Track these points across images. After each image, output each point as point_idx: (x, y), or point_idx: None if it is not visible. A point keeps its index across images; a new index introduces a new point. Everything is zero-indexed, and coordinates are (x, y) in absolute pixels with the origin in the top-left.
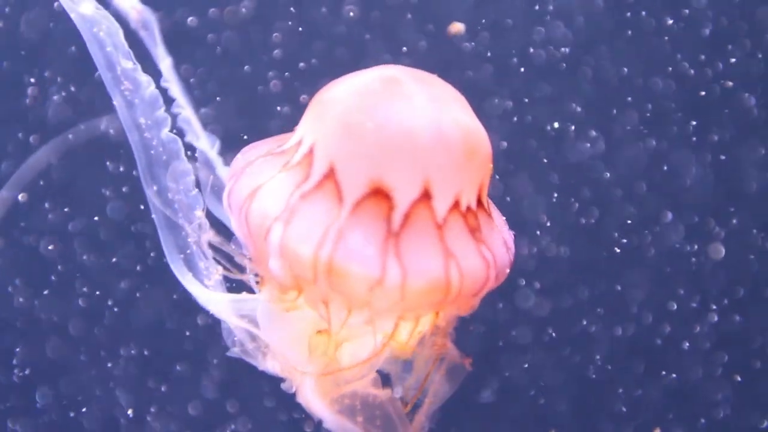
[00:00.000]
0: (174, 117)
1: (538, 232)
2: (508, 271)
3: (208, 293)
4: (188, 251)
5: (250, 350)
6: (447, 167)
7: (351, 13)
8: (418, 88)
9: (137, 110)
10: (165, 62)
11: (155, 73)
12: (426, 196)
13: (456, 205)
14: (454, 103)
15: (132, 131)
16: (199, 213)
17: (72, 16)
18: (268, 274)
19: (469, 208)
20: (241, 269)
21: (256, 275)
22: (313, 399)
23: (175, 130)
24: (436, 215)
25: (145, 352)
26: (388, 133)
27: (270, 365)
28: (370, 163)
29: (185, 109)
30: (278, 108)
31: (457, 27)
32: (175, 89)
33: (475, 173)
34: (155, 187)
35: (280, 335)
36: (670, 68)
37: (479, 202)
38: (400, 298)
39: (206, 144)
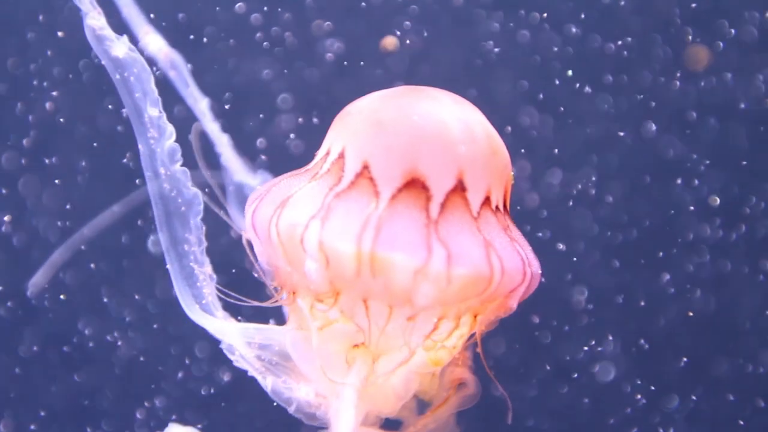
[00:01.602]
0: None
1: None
2: (539, 278)
3: (227, 328)
4: (203, 301)
5: (280, 385)
6: (477, 161)
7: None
8: (440, 93)
9: (158, 160)
10: (202, 103)
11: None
12: (461, 187)
13: (487, 201)
14: (474, 109)
15: (152, 180)
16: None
17: (103, 61)
18: (302, 284)
19: (497, 208)
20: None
21: (284, 297)
22: (350, 419)
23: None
24: (471, 207)
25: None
26: (420, 123)
27: (303, 393)
28: (405, 154)
29: (226, 150)
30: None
31: (391, 41)
32: (214, 129)
33: (499, 174)
34: (171, 238)
35: (314, 358)
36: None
37: (505, 208)
38: (444, 286)
39: (256, 182)
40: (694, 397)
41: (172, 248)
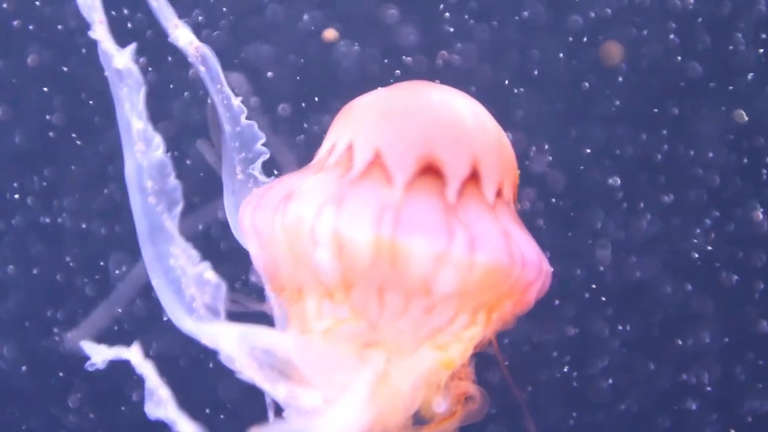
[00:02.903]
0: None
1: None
2: (551, 277)
3: (225, 336)
4: (194, 315)
5: (287, 394)
6: (491, 151)
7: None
8: (446, 87)
9: (145, 173)
10: (236, 101)
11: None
12: (475, 176)
13: (500, 193)
14: (478, 103)
15: (135, 195)
16: (209, 275)
17: (107, 72)
18: (309, 281)
19: (509, 203)
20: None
21: (286, 300)
22: (362, 422)
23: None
24: (487, 197)
25: None
26: (434, 109)
27: (310, 401)
28: (420, 139)
29: (266, 147)
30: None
31: (332, 33)
32: (250, 126)
33: (508, 168)
34: (154, 253)
35: (322, 362)
36: None
37: (513, 204)
38: (466, 272)
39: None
40: None
41: (157, 263)
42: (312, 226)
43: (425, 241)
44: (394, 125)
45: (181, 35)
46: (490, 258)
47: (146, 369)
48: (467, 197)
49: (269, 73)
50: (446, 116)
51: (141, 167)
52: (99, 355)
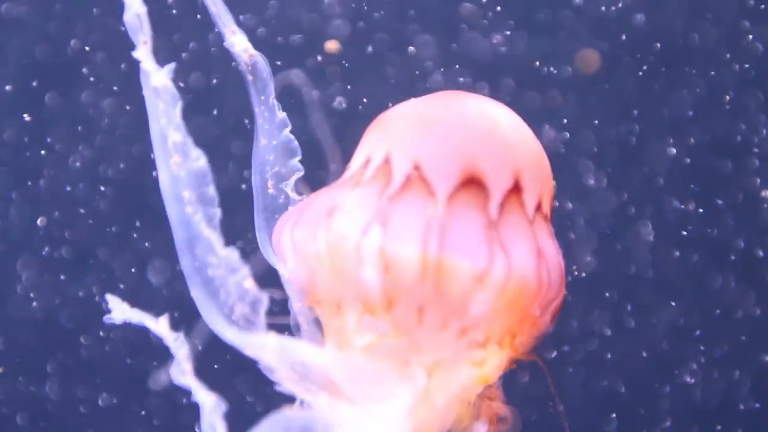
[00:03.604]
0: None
1: None
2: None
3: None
4: (238, 321)
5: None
6: (532, 161)
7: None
8: (479, 96)
9: (181, 183)
10: (280, 114)
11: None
12: (517, 188)
13: (539, 207)
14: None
15: (172, 206)
16: (249, 284)
17: (144, 91)
18: (350, 298)
19: (546, 217)
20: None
21: (322, 314)
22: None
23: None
24: (527, 210)
25: None
26: (474, 120)
27: (350, 414)
28: (461, 150)
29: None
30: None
31: (333, 44)
32: (292, 140)
33: (546, 179)
34: (195, 264)
35: (361, 377)
36: None
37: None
38: (500, 293)
39: None
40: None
41: (196, 274)
42: (357, 244)
43: (469, 260)
44: (435, 137)
45: (237, 41)
46: (524, 278)
47: (169, 339)
48: (509, 210)
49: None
50: (486, 126)
51: (177, 178)
52: (122, 312)
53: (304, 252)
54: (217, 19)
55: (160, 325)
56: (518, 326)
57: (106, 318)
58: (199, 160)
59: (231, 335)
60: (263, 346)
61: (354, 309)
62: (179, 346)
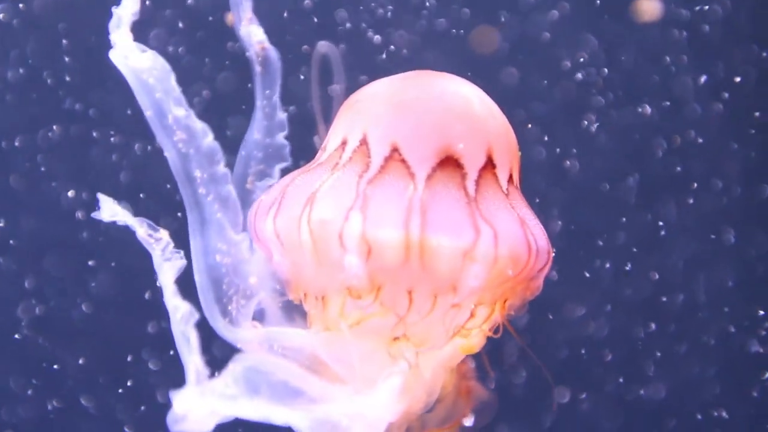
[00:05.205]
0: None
1: None
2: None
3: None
4: (232, 312)
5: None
6: (501, 136)
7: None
8: (447, 74)
9: (192, 162)
10: (281, 114)
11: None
12: (490, 164)
13: (511, 178)
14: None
15: (185, 186)
16: (253, 280)
17: (123, 71)
18: (335, 284)
19: (517, 186)
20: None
21: (308, 301)
22: (394, 412)
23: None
24: (501, 184)
25: None
26: (447, 100)
27: (342, 395)
28: (437, 131)
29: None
30: None
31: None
32: (285, 146)
33: (514, 151)
34: (204, 248)
35: (350, 356)
36: None
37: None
38: (492, 266)
39: None
40: None
41: (202, 258)
42: (340, 231)
43: (454, 239)
44: (410, 118)
45: (253, 31)
46: (512, 247)
47: (151, 243)
48: (484, 186)
49: None
50: (458, 105)
51: (187, 156)
52: (111, 213)
53: (287, 242)
54: (237, 4)
55: (142, 228)
56: (511, 292)
57: (94, 214)
58: (208, 135)
59: (221, 327)
60: (252, 339)
61: (339, 295)
62: (160, 250)
